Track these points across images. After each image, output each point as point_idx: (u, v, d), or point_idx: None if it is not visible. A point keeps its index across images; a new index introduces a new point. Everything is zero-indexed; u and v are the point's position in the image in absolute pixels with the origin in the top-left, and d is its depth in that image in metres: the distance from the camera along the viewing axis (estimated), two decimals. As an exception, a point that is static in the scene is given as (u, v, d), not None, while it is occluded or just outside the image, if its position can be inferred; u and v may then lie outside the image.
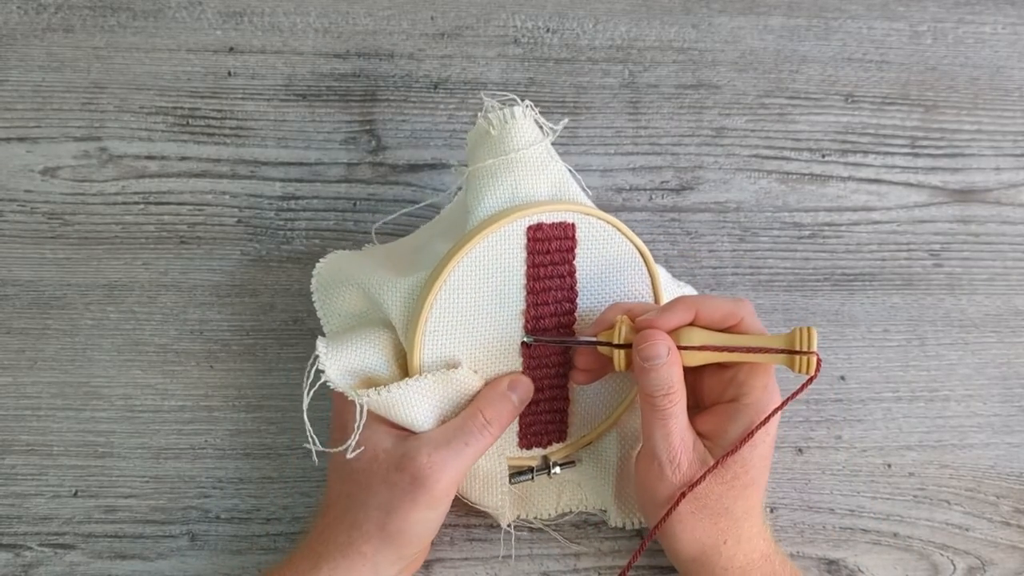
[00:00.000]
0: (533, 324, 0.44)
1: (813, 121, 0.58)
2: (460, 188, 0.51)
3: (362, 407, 0.41)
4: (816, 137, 0.58)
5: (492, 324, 0.44)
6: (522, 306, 0.44)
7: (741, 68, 0.59)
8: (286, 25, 0.58)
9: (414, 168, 0.56)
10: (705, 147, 0.57)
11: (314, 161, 0.56)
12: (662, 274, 0.49)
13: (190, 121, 0.56)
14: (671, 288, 0.50)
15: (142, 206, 0.54)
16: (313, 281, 0.48)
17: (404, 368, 0.44)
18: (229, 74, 0.57)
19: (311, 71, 0.57)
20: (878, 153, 0.58)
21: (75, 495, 0.49)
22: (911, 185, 0.57)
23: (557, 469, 0.47)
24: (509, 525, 0.48)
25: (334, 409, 0.45)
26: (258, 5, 0.58)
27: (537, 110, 0.45)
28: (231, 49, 0.57)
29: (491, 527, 0.49)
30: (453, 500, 0.44)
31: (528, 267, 0.43)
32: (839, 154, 0.58)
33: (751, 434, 0.41)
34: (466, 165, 0.45)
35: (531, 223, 0.43)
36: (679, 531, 0.42)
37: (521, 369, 0.45)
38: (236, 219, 0.54)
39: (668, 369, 0.40)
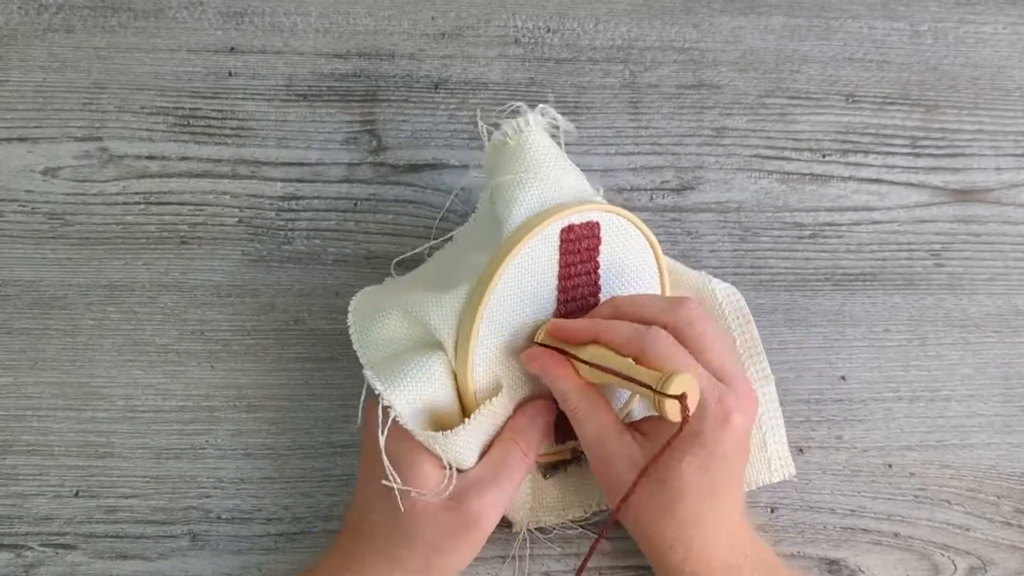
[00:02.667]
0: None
1: (814, 121, 0.58)
2: (474, 207, 0.51)
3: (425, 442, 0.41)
4: (817, 137, 0.58)
5: (534, 326, 0.45)
6: (553, 306, 0.45)
7: (742, 68, 0.59)
8: (287, 25, 0.58)
9: (415, 168, 0.56)
10: (706, 147, 0.57)
11: (315, 161, 0.56)
12: (676, 266, 0.50)
13: (191, 121, 0.56)
14: (690, 277, 0.51)
15: (143, 206, 0.54)
16: (350, 316, 0.47)
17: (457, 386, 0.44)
18: (230, 74, 0.57)
19: (312, 71, 0.57)
20: (879, 153, 0.58)
21: (76, 495, 0.49)
22: (912, 185, 0.57)
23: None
24: (528, 529, 0.49)
25: (367, 436, 0.44)
26: (259, 5, 0.58)
27: (552, 111, 0.46)
28: (232, 49, 0.57)
29: (492, 527, 0.49)
30: None
31: (560, 268, 0.44)
32: (840, 154, 0.58)
33: (646, 469, 0.40)
34: (480, 165, 0.46)
35: (563, 225, 0.44)
36: (632, 531, 0.44)
37: None
38: (237, 219, 0.54)
39: (555, 383, 0.43)
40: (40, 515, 0.49)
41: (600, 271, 0.46)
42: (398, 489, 0.41)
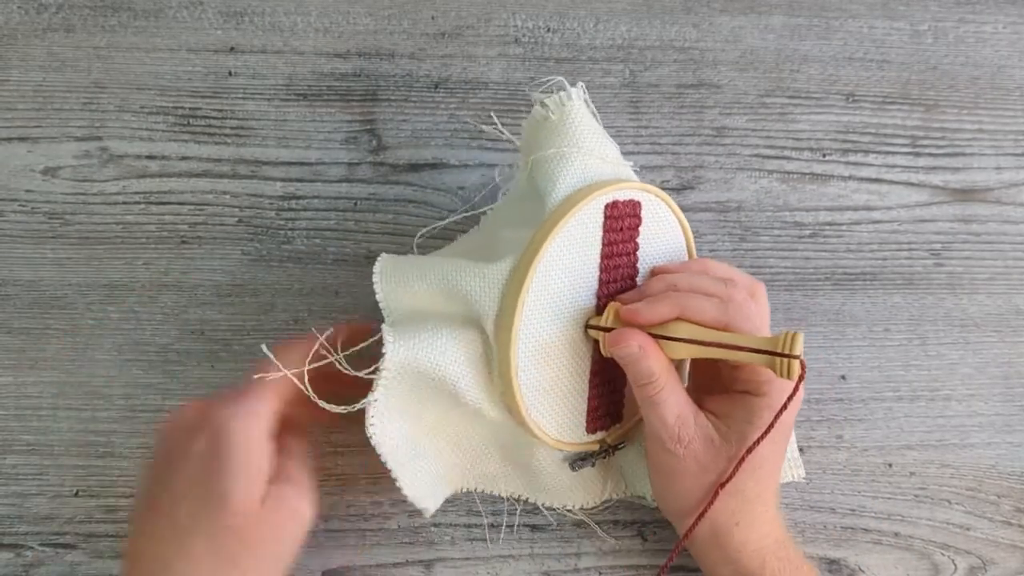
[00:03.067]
0: (604, 301, 0.44)
1: (814, 120, 0.58)
2: (504, 189, 0.52)
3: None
4: (817, 136, 0.58)
5: (575, 303, 0.43)
6: (596, 285, 0.44)
7: (742, 67, 0.59)
8: (287, 25, 0.58)
9: (415, 168, 0.56)
10: (706, 147, 0.57)
11: (315, 161, 0.56)
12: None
13: (191, 121, 0.56)
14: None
15: (143, 206, 0.54)
16: (377, 264, 0.45)
17: (478, 368, 0.43)
18: (230, 74, 0.57)
19: (312, 71, 0.57)
20: (879, 152, 0.58)
21: (76, 495, 0.49)
22: (912, 184, 0.57)
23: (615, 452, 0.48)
24: (563, 509, 0.49)
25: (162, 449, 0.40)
26: (259, 5, 0.58)
27: (586, 92, 0.46)
28: (232, 49, 0.57)
29: (492, 527, 0.49)
30: (453, 496, 0.47)
31: (603, 245, 0.44)
32: (840, 153, 0.58)
33: (770, 427, 0.41)
34: (516, 151, 0.46)
35: (608, 201, 0.43)
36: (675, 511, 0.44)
37: (591, 349, 0.45)
38: (237, 219, 0.54)
39: (645, 362, 0.41)
40: (40, 515, 0.49)
41: (639, 252, 0.45)
42: (221, 497, 0.37)
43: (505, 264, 0.42)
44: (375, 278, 0.44)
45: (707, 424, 0.42)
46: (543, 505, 0.49)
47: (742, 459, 0.41)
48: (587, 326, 0.44)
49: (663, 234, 0.46)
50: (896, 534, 0.50)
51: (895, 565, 0.50)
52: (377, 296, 0.44)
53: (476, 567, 0.49)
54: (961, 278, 0.56)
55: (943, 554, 0.50)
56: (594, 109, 0.46)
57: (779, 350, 0.39)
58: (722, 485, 0.41)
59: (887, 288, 0.55)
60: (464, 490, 0.49)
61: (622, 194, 0.44)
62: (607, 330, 0.42)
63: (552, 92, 0.45)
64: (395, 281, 0.44)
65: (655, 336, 0.42)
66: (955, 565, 0.50)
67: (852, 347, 0.54)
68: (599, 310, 0.44)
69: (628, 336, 0.41)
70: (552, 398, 0.44)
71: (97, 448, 0.50)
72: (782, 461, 0.44)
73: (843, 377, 0.53)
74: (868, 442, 0.52)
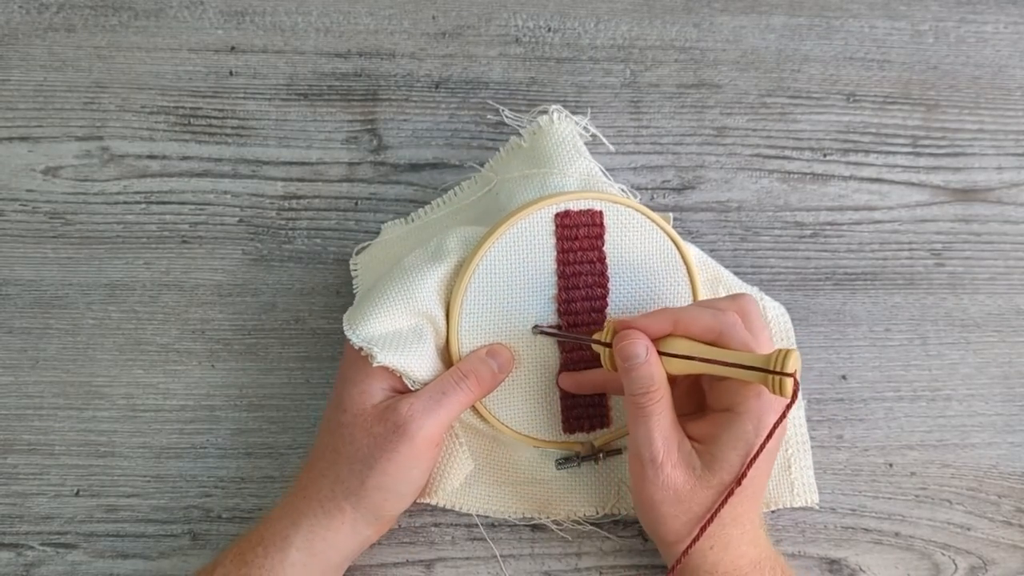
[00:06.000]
0: (565, 308, 0.46)
1: (815, 120, 0.58)
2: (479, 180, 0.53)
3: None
4: (818, 136, 0.58)
5: (526, 309, 0.46)
6: (554, 291, 0.46)
7: (743, 67, 0.59)
8: (288, 24, 0.58)
9: (415, 167, 0.56)
10: (707, 146, 0.57)
11: (315, 160, 0.56)
12: (727, 276, 0.51)
13: (192, 120, 0.56)
14: (728, 281, 0.51)
15: (144, 205, 0.54)
16: (353, 271, 0.51)
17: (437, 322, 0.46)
18: (231, 73, 0.57)
19: (312, 70, 0.57)
20: (880, 152, 0.58)
21: (77, 494, 0.49)
22: (913, 184, 0.57)
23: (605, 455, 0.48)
24: (557, 523, 0.49)
25: (344, 359, 0.46)
26: (260, 5, 0.58)
27: (565, 113, 0.50)
28: (233, 48, 0.57)
29: (493, 526, 0.49)
30: (457, 504, 0.47)
31: (558, 253, 0.46)
32: (841, 153, 0.58)
33: (755, 457, 0.40)
34: (480, 167, 0.50)
35: (558, 210, 0.45)
36: (673, 538, 0.43)
37: (558, 352, 0.47)
38: (238, 218, 0.54)
39: (647, 368, 0.41)
40: (41, 514, 0.49)
41: (608, 261, 0.46)
42: (343, 404, 0.43)
43: (449, 264, 0.45)
44: (353, 263, 0.50)
45: (691, 452, 0.42)
46: (546, 518, 0.49)
47: (728, 495, 0.41)
48: (537, 330, 0.46)
49: (639, 244, 0.47)
50: (897, 534, 0.50)
51: (896, 565, 0.50)
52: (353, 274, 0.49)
53: (476, 567, 0.49)
54: (962, 278, 0.56)
55: (944, 554, 0.50)
56: (582, 127, 0.50)
57: (771, 367, 0.39)
58: (709, 521, 0.41)
59: (888, 288, 0.55)
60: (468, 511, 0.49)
61: (575, 204, 0.45)
62: (607, 345, 0.43)
63: (537, 116, 0.48)
64: (363, 321, 0.45)
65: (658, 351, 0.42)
66: (956, 565, 0.50)
67: (853, 347, 0.54)
68: (561, 315, 0.46)
69: (636, 337, 0.41)
70: (511, 395, 0.46)
71: (98, 448, 0.50)
72: (765, 482, 0.44)
73: (844, 377, 0.53)
74: (869, 442, 0.52)
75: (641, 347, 0.41)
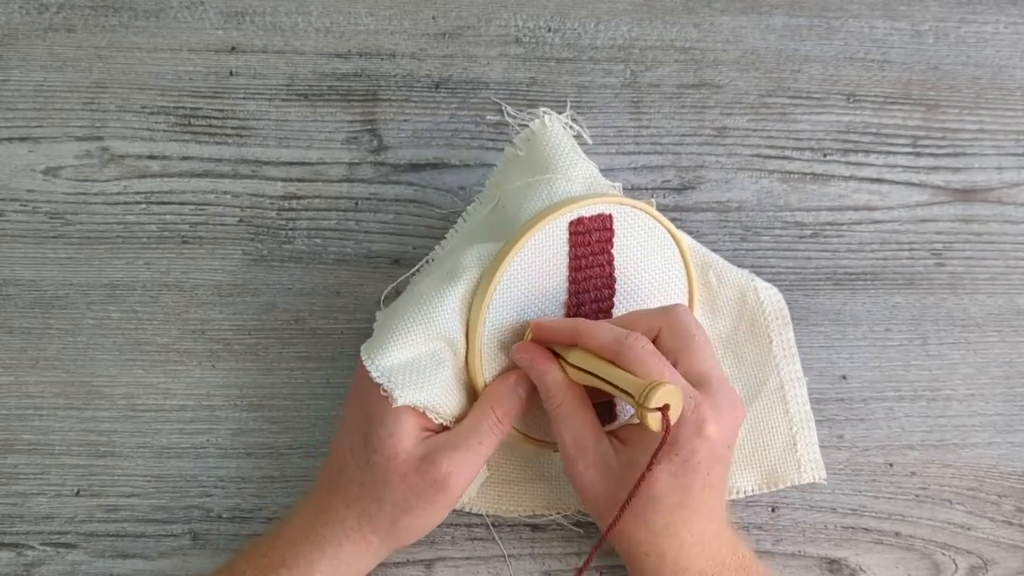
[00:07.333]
0: (575, 312, 0.46)
1: (815, 120, 0.58)
2: (476, 199, 0.52)
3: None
4: (818, 136, 0.58)
5: (539, 316, 0.45)
6: (564, 297, 0.46)
7: (743, 68, 0.59)
8: (288, 25, 0.58)
9: (416, 167, 0.56)
10: (707, 146, 0.57)
11: (316, 160, 0.56)
12: (718, 262, 0.51)
13: (192, 121, 0.56)
14: (732, 274, 0.51)
15: (144, 206, 0.54)
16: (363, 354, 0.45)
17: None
18: (231, 74, 0.57)
19: (313, 71, 0.57)
20: (880, 152, 0.58)
21: (77, 494, 0.49)
22: (913, 184, 0.57)
23: None
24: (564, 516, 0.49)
25: (354, 386, 0.45)
26: (260, 5, 0.58)
27: (563, 115, 0.49)
28: (233, 49, 0.57)
29: (493, 526, 0.49)
30: (467, 506, 0.48)
31: (571, 260, 0.45)
32: (841, 153, 0.58)
33: (650, 464, 0.39)
34: (482, 188, 0.50)
35: (572, 218, 0.45)
36: (612, 535, 0.43)
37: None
38: (238, 219, 0.54)
39: (544, 377, 0.43)
40: (41, 514, 0.49)
41: (615, 264, 0.46)
42: (372, 443, 0.42)
43: (467, 282, 0.44)
44: (373, 374, 0.43)
45: (608, 450, 0.42)
46: (556, 513, 0.49)
47: (631, 495, 0.40)
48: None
49: (645, 245, 0.47)
50: (897, 534, 0.50)
51: (896, 565, 0.50)
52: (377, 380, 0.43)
53: (476, 567, 0.49)
54: (962, 278, 0.56)
55: (944, 554, 0.50)
56: (577, 129, 0.50)
57: (636, 397, 0.37)
58: (616, 520, 0.40)
59: (888, 288, 0.55)
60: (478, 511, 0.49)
61: (588, 209, 0.45)
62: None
63: (531, 121, 0.48)
64: (382, 352, 0.43)
65: (560, 358, 0.43)
66: (956, 565, 0.50)
67: (853, 347, 0.54)
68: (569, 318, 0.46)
69: (524, 348, 0.44)
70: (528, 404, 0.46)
71: (98, 448, 0.50)
72: (697, 497, 0.41)
73: (844, 377, 0.53)
74: (869, 442, 0.52)
75: (522, 356, 0.44)
